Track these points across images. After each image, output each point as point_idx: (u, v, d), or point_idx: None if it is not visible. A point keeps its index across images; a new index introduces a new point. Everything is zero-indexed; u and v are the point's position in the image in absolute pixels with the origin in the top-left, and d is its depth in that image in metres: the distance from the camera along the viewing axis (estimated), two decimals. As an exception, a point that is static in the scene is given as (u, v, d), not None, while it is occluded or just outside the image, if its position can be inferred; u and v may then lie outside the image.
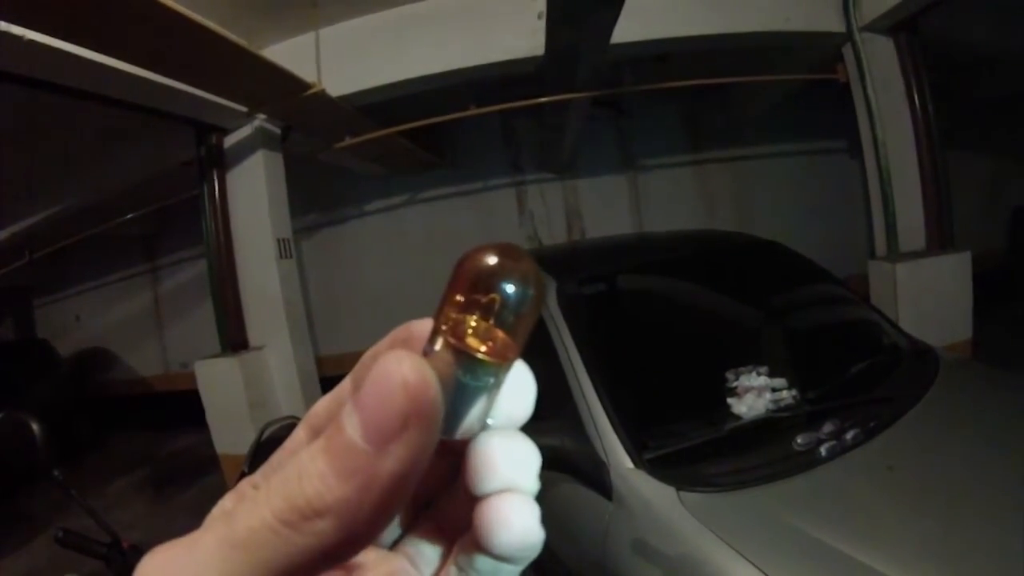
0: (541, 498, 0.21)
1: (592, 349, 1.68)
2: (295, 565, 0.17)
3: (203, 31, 2.37)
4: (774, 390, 1.54)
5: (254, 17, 3.33)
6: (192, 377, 3.78)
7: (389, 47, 3.67)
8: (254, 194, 3.89)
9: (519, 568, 0.22)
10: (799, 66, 4.29)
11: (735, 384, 1.57)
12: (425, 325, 0.22)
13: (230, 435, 3.70)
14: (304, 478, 0.17)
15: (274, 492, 0.18)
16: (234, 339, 3.91)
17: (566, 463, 1.51)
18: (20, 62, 2.45)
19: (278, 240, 3.92)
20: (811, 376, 1.64)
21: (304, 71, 3.24)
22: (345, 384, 0.24)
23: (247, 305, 3.96)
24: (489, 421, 0.22)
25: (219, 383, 3.71)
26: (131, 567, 0.37)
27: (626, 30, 2.98)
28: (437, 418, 0.18)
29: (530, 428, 0.22)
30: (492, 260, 0.21)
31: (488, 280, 0.21)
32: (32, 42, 2.24)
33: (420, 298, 5.24)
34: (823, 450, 1.36)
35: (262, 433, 1.42)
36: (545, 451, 0.21)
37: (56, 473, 1.11)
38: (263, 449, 1.36)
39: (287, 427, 1.41)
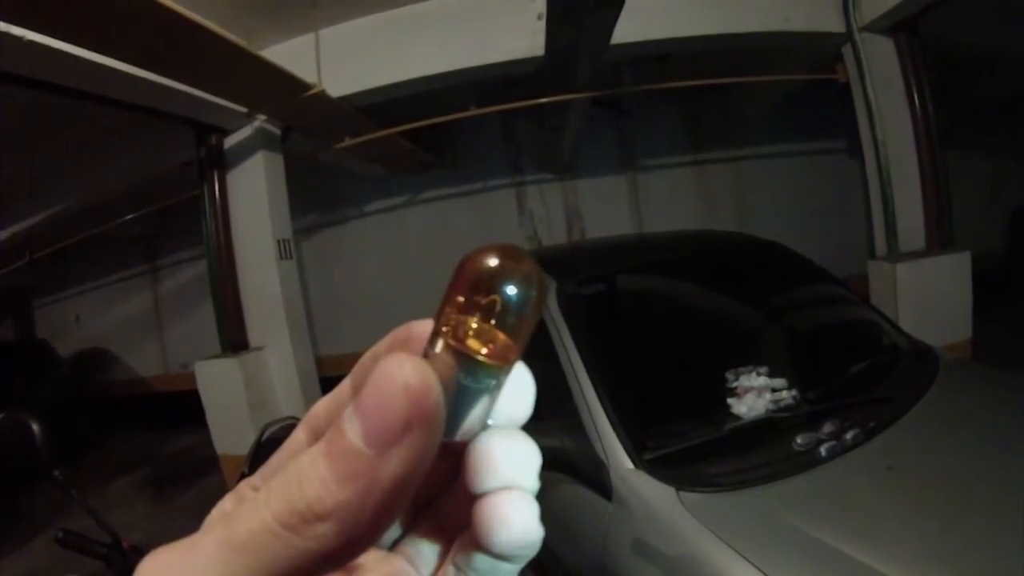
0: (541, 498, 0.21)
1: (592, 349, 1.67)
2: (295, 568, 0.17)
3: (203, 31, 2.37)
4: (774, 390, 1.54)
5: (254, 17, 3.33)
6: (192, 377, 3.79)
7: (389, 48, 3.67)
8: (254, 195, 3.89)
9: (517, 567, 0.22)
10: (799, 66, 4.29)
11: (735, 384, 1.57)
12: (425, 326, 0.22)
13: (230, 435, 3.70)
14: (305, 481, 0.17)
15: (274, 495, 0.18)
16: (234, 339, 3.91)
17: (566, 463, 1.50)
18: (20, 62, 2.45)
19: (278, 241, 3.92)
20: (811, 376, 1.64)
21: (304, 72, 3.23)
22: (345, 385, 0.24)
23: (247, 305, 3.96)
24: (489, 422, 0.21)
25: (219, 383, 3.72)
26: (131, 567, 0.37)
27: (626, 30, 2.98)
28: (439, 422, 0.18)
29: (530, 428, 0.22)
30: (493, 261, 0.21)
31: (489, 281, 0.21)
32: (32, 42, 2.24)
33: (420, 298, 5.25)
34: (823, 450, 1.36)
35: (262, 434, 1.41)
36: (545, 451, 0.21)
37: (56, 473, 1.11)
38: (263, 450, 1.35)
39: (287, 428, 1.41)
